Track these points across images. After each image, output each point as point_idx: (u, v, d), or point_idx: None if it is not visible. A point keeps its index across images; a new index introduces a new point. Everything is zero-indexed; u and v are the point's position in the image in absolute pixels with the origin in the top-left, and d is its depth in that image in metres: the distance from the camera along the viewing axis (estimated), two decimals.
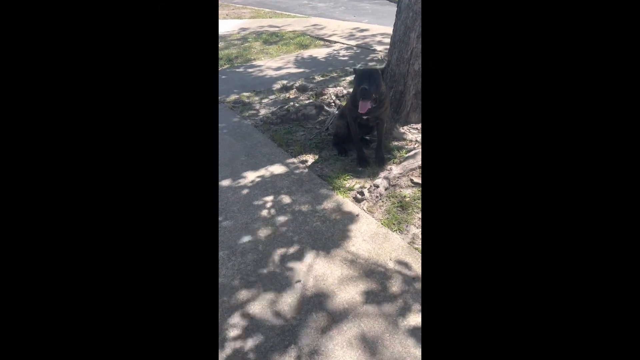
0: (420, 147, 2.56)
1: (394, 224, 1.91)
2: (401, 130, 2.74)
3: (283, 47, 5.58)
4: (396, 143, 2.65)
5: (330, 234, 1.85)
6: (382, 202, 2.08)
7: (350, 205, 2.05)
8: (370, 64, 4.47)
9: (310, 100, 3.42)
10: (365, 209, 2.03)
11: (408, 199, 2.09)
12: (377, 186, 2.10)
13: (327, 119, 3.02)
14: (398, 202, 2.06)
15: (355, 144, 2.46)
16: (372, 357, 1.26)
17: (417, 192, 2.14)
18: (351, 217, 1.96)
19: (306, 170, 2.43)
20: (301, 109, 3.13)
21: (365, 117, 2.27)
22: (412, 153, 2.45)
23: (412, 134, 2.72)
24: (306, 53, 5.22)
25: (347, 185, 2.25)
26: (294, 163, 2.53)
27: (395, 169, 2.25)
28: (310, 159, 2.58)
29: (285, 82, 4.01)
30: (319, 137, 2.85)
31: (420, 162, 2.34)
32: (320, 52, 5.18)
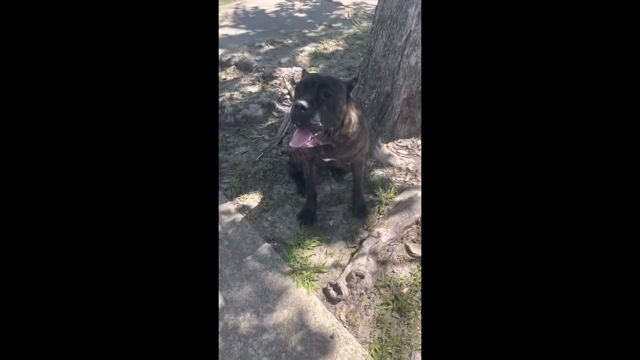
0: (417, 181, 1.79)
1: (389, 354, 1.19)
2: (385, 149, 1.93)
3: None
4: (380, 172, 1.86)
5: None
6: (369, 299, 1.34)
7: (318, 312, 1.28)
8: (335, 25, 3.41)
9: (256, 90, 2.42)
10: (344, 319, 1.28)
11: (407, 289, 1.37)
12: (361, 276, 1.33)
13: (281, 125, 2.09)
14: (392, 300, 1.33)
15: (307, 189, 1.61)
16: None
17: (417, 272, 1.42)
18: (322, 343, 1.20)
19: (247, 227, 1.58)
20: (241, 108, 2.14)
21: (327, 160, 1.41)
22: (404, 196, 1.69)
23: (401, 156, 1.92)
24: (249, 2, 3.96)
25: (314, 260, 1.46)
26: (228, 212, 1.65)
27: (384, 233, 1.48)
28: (254, 201, 1.71)
29: (220, 52, 2.88)
30: (268, 156, 1.95)
31: (419, 214, 1.59)
32: (268, 3, 3.95)
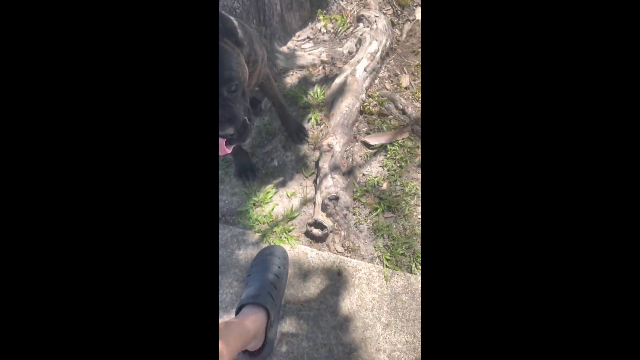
0: (339, 67, 1.53)
1: (402, 254, 1.09)
2: (287, 51, 1.60)
3: None
4: (294, 80, 1.56)
5: None
6: (356, 215, 1.19)
7: (313, 259, 1.11)
8: None
9: None
10: (342, 249, 1.13)
11: (385, 184, 1.22)
12: (335, 198, 1.15)
13: None
14: (378, 202, 1.19)
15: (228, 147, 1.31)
16: None
17: (385, 161, 1.27)
18: (333, 286, 1.06)
19: None
20: None
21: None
22: (334, 89, 1.44)
23: (309, 51, 1.61)
24: None
25: (279, 211, 1.24)
26: None
27: (335, 142, 1.26)
28: None
29: None
30: None
31: (359, 103, 1.37)
32: None
